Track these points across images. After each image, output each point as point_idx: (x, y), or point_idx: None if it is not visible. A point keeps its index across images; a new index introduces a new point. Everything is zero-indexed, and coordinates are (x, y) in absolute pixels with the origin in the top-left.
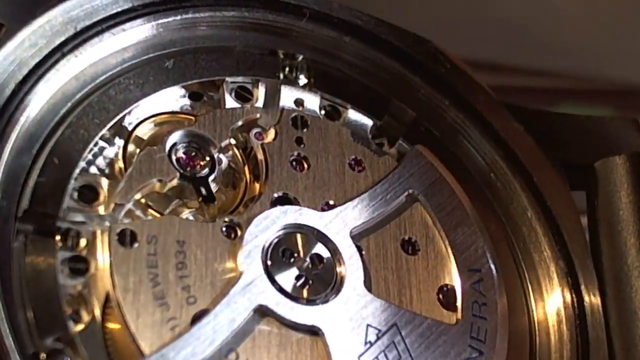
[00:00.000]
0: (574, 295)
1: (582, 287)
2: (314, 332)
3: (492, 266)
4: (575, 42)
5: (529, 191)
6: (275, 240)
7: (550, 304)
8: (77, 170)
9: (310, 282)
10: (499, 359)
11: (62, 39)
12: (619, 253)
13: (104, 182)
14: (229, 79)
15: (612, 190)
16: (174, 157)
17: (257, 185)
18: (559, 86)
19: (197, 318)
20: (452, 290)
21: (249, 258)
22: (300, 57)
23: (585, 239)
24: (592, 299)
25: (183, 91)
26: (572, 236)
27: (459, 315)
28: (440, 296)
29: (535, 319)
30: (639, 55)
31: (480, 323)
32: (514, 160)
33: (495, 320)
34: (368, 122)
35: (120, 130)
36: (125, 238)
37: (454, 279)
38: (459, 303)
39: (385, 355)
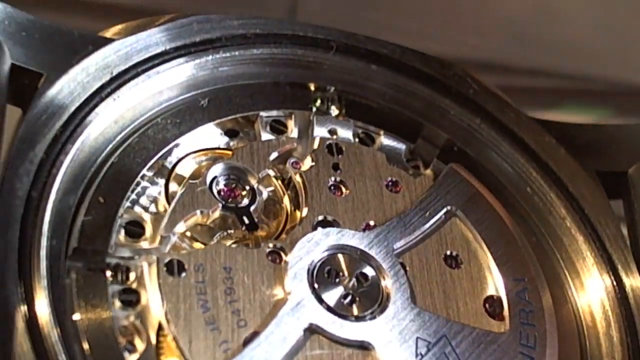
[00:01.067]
0: (620, 299)
1: (628, 290)
2: (364, 347)
3: (536, 273)
4: (575, 42)
5: (566, 200)
6: (320, 262)
7: (598, 309)
8: (122, 209)
9: (357, 299)
10: None
11: (100, 84)
12: None
13: (149, 218)
14: (262, 114)
15: None
16: (215, 190)
17: (298, 214)
18: (559, 86)
19: (248, 341)
20: (498, 300)
21: (296, 279)
22: (331, 89)
23: (626, 242)
24: (638, 301)
25: (219, 130)
26: (613, 241)
27: (507, 324)
28: (487, 306)
29: (584, 324)
30: (639, 55)
31: (529, 330)
32: (549, 172)
33: (544, 326)
34: (402, 146)
35: (161, 170)
36: (173, 268)
37: (499, 289)
38: (505, 312)
39: None
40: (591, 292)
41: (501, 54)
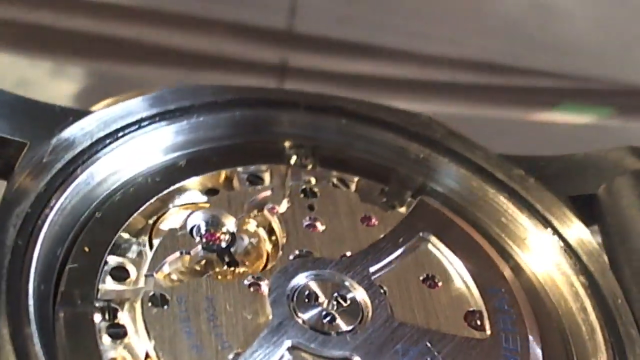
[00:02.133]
0: (598, 302)
1: (607, 299)
2: None
3: (513, 284)
4: (575, 42)
5: (537, 220)
6: (299, 288)
7: (578, 312)
8: (107, 258)
9: (337, 318)
10: None
11: (81, 148)
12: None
13: (134, 263)
14: (239, 169)
15: (620, 210)
16: (195, 235)
17: (278, 255)
18: (559, 86)
19: None
20: (479, 313)
21: (276, 303)
22: (305, 145)
23: (597, 246)
24: (617, 305)
25: (199, 190)
26: (592, 258)
27: (489, 332)
28: (468, 320)
29: (568, 330)
30: (639, 55)
31: (512, 334)
32: (520, 200)
33: (525, 330)
34: (376, 188)
35: (144, 227)
36: (157, 301)
37: (478, 302)
38: (486, 322)
39: None
40: (571, 300)
41: (501, 54)
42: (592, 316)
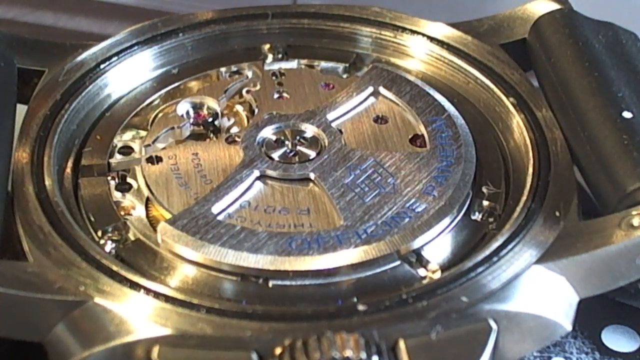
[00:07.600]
0: (526, 114)
1: (533, 109)
2: (306, 179)
3: (451, 111)
4: None
5: (473, 65)
6: (267, 136)
7: (511, 123)
8: (115, 141)
9: (299, 153)
10: (469, 164)
11: (88, 68)
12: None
13: (137, 142)
14: (222, 69)
15: (546, 44)
16: (185, 116)
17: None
18: None
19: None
20: (422, 136)
21: (247, 148)
22: (279, 46)
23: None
24: (543, 114)
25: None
26: (527, 91)
27: (428, 147)
28: (413, 142)
29: (503, 140)
30: None
31: (448, 146)
32: (463, 55)
33: (460, 141)
34: (338, 66)
35: (145, 118)
36: (153, 160)
37: (421, 129)
38: (427, 141)
39: (369, 178)
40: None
41: None
42: (520, 122)
